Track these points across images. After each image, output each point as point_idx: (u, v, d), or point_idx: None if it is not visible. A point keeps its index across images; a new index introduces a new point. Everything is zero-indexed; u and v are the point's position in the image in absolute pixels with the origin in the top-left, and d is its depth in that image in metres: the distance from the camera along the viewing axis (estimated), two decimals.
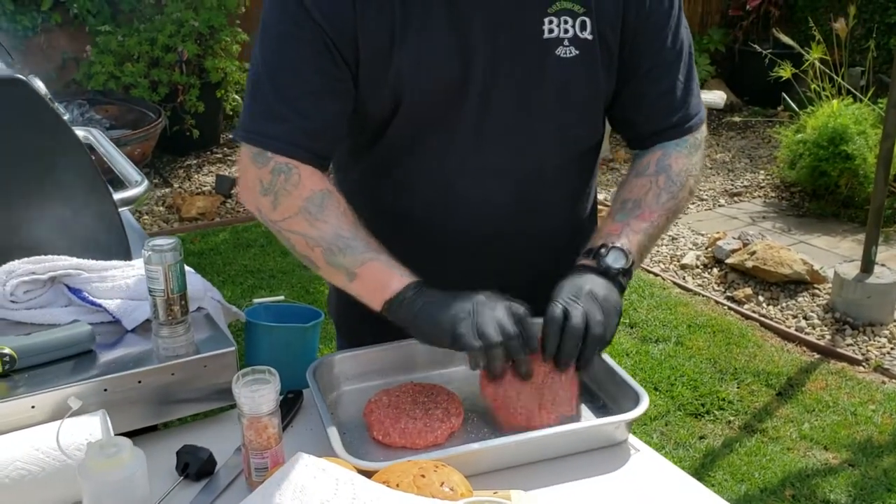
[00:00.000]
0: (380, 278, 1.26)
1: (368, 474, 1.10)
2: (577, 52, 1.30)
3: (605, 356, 1.34)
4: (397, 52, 1.27)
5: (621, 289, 1.30)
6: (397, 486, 1.06)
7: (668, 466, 1.23)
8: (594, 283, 1.26)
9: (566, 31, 1.29)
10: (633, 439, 1.27)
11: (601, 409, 1.31)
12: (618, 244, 1.31)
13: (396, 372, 1.39)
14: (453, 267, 1.42)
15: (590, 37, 1.30)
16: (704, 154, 1.46)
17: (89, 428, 1.13)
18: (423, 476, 1.07)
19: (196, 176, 5.42)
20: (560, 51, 1.29)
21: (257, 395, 1.11)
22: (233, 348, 1.32)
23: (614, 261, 1.29)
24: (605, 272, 1.28)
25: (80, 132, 2.12)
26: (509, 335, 1.18)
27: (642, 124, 1.43)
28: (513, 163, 1.37)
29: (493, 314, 1.19)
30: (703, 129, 1.45)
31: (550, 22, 1.28)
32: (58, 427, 1.07)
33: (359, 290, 1.28)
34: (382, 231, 1.47)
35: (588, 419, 1.29)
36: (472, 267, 1.40)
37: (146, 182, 1.82)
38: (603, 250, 1.30)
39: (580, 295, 1.23)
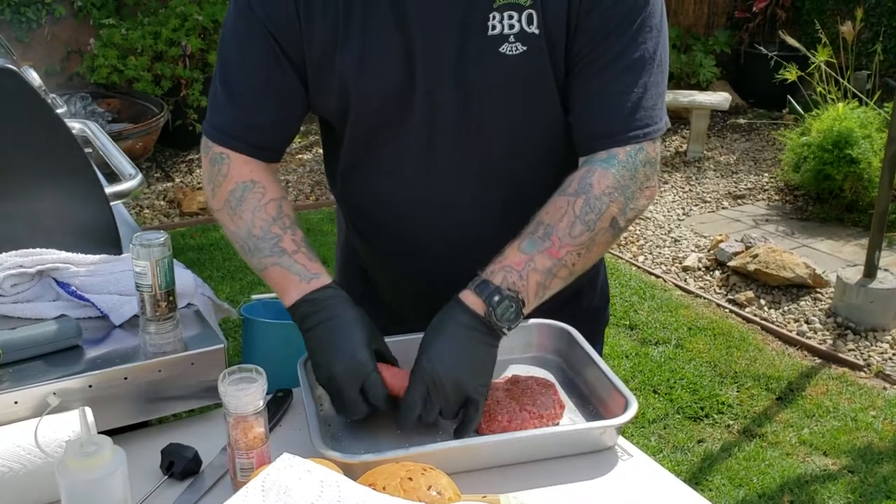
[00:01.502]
0: (280, 285, 1.28)
1: (349, 468, 1.09)
2: (525, 47, 1.24)
3: (600, 361, 1.32)
4: (339, 54, 1.26)
5: (498, 337, 1.23)
6: (384, 489, 1.04)
7: (660, 472, 1.21)
8: (466, 351, 1.20)
9: (511, 26, 1.23)
10: (626, 444, 1.25)
11: (592, 415, 1.29)
12: (514, 291, 1.20)
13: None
14: (428, 272, 1.40)
15: (536, 31, 1.24)
16: (651, 178, 1.30)
17: (72, 425, 1.11)
18: (410, 479, 1.05)
19: (198, 171, 5.41)
20: (505, 48, 1.24)
21: (243, 394, 1.09)
22: (222, 346, 1.30)
23: (503, 312, 1.19)
24: (489, 324, 1.20)
25: (76, 125, 2.11)
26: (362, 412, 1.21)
27: (574, 128, 1.31)
28: (468, 165, 1.33)
29: (347, 394, 1.20)
30: (649, 148, 1.29)
31: (494, 17, 1.23)
32: (36, 425, 1.05)
33: (273, 289, 1.31)
34: (364, 236, 1.46)
35: (577, 423, 1.27)
36: (449, 276, 1.33)
37: (140, 176, 1.80)
38: (496, 298, 1.19)
39: (443, 379, 1.18)
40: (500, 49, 1.24)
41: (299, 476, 1.04)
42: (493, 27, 1.23)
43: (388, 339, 1.34)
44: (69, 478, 0.94)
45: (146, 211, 4.84)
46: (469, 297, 1.22)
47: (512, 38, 1.24)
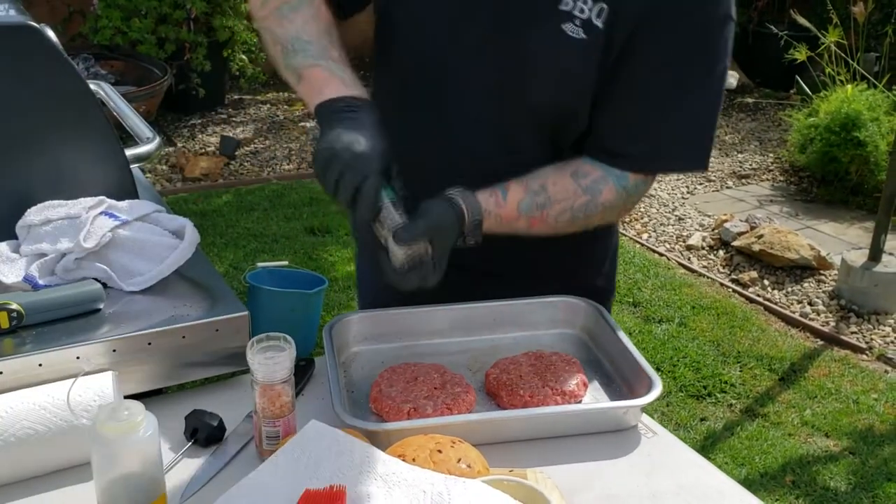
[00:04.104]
0: (319, 83, 1.22)
1: (374, 437, 1.09)
2: (585, 36, 1.21)
3: (626, 340, 1.32)
4: None
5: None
6: (413, 460, 1.04)
7: (684, 450, 1.21)
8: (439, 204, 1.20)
9: (582, 10, 1.20)
10: (649, 421, 1.25)
11: (616, 393, 1.29)
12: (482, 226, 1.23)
13: (416, 336, 1.37)
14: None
15: (601, 26, 1.21)
16: (635, 207, 1.32)
17: (98, 389, 1.10)
18: (439, 451, 1.05)
19: (200, 136, 5.37)
20: (568, 27, 1.21)
21: (272, 362, 1.08)
22: (245, 313, 1.29)
23: (470, 236, 1.22)
24: (462, 223, 1.21)
25: (90, 85, 2.07)
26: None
27: (597, 136, 1.31)
28: (495, 119, 1.31)
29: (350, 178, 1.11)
30: (651, 181, 1.33)
31: None
32: (68, 388, 1.05)
33: (303, 93, 1.26)
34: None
35: (600, 401, 1.27)
36: None
37: (158, 139, 1.78)
38: (477, 220, 1.22)
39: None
40: (563, 26, 1.21)
41: (328, 446, 1.04)
42: (566, 3, 1.21)
43: (420, 309, 1.38)
44: (102, 443, 0.93)
45: (148, 175, 4.80)
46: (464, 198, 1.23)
47: (578, 22, 1.21)
